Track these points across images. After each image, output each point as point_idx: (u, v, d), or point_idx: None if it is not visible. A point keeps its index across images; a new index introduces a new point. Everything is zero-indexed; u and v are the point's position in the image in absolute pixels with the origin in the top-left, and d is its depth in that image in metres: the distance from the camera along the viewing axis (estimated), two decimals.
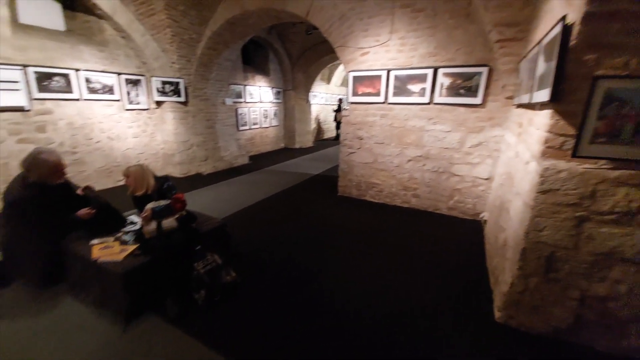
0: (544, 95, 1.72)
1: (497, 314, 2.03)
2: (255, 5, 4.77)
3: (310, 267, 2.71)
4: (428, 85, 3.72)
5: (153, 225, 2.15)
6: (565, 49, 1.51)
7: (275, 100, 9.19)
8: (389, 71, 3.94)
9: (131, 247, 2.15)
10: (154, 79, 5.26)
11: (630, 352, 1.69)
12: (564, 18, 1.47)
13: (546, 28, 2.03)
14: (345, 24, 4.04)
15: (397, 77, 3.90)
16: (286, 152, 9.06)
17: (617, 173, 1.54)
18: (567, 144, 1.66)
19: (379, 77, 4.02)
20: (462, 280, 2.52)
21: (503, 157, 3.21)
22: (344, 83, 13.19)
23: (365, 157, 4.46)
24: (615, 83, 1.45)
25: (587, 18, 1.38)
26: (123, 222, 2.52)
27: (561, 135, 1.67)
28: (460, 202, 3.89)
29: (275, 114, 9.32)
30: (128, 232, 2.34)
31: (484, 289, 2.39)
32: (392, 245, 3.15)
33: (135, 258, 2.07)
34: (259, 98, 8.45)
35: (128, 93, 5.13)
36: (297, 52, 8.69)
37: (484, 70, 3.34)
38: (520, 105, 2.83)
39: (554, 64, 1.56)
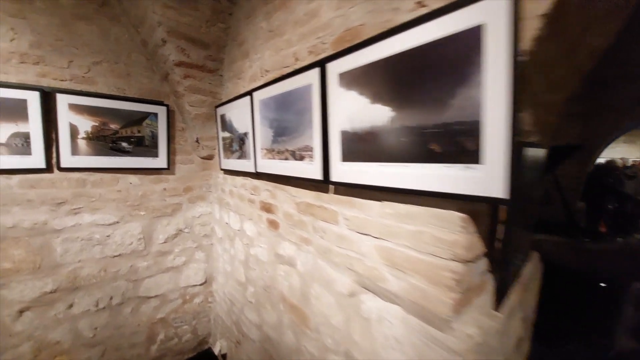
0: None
1: None
2: None
3: None
4: (35, 127, 1.56)
5: None
6: None
7: None
8: None
9: None
10: None
11: None
12: None
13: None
14: None
15: None
16: None
17: None
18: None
19: None
20: None
21: (227, 247, 2.01)
22: None
23: None
24: None
25: None
26: None
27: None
28: (171, 337, 2.15)
29: None
30: None
31: None
32: None
33: None
34: None
35: None
36: None
37: (161, 110, 1.91)
38: (239, 173, 1.79)
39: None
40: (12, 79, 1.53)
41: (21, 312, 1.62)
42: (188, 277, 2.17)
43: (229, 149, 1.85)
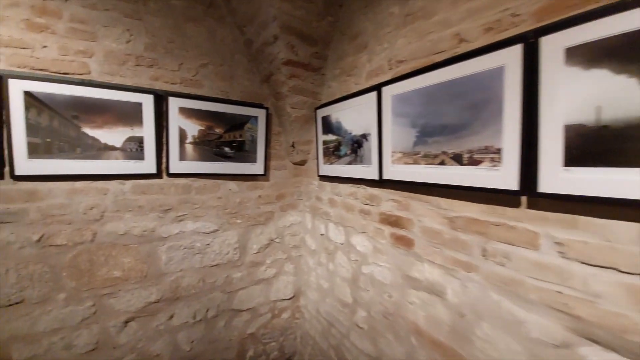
0: None
1: None
2: None
3: None
4: (148, 131, 1.52)
5: None
6: None
7: None
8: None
9: None
10: None
11: None
12: None
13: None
14: None
15: (39, 97, 1.29)
16: None
17: None
18: None
19: None
20: None
21: (323, 261, 1.83)
22: None
23: None
24: None
25: None
26: None
27: None
28: (260, 354, 2.01)
29: None
30: None
31: None
32: None
33: None
34: None
35: None
36: None
37: (261, 114, 1.81)
38: (344, 180, 1.60)
39: None
40: (128, 82, 1.51)
41: (126, 322, 1.58)
42: (278, 291, 2.02)
43: (332, 154, 1.67)
